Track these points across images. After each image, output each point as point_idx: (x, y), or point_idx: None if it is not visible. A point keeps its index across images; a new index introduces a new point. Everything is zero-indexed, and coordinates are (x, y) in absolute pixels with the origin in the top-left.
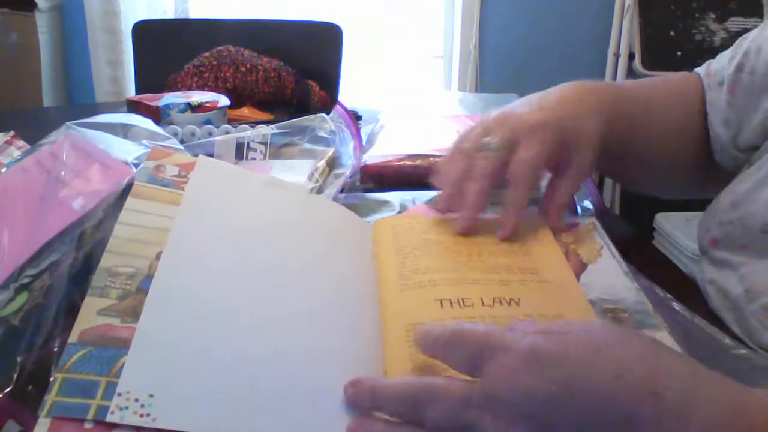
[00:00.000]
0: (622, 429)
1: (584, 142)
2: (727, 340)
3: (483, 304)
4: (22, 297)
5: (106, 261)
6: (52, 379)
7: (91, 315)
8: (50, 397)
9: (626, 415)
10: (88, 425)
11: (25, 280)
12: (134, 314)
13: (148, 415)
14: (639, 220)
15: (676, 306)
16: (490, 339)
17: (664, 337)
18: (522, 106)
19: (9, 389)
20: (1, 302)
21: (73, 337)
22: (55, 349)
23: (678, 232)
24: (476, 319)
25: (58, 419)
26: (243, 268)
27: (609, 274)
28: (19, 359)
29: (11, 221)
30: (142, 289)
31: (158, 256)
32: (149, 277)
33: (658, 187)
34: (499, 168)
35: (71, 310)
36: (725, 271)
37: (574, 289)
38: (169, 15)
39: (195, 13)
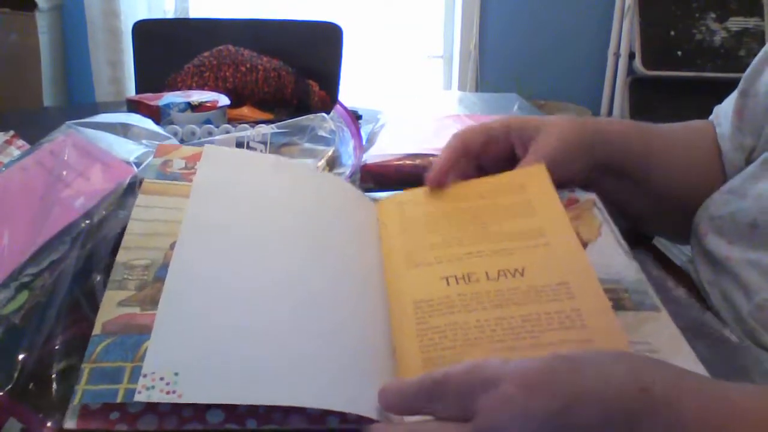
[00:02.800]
0: (621, 427)
1: (552, 133)
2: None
3: (488, 278)
4: (23, 296)
5: (121, 256)
6: (80, 368)
7: (112, 307)
8: (80, 386)
9: (623, 412)
10: (113, 416)
11: (26, 279)
12: (153, 302)
13: (174, 392)
14: None
15: (685, 299)
16: (474, 375)
17: (664, 317)
18: None
19: (9, 387)
20: (2, 301)
21: (96, 330)
22: (57, 347)
23: None
24: (482, 294)
25: (86, 410)
26: (255, 247)
27: (608, 252)
28: (19, 358)
29: (11, 220)
30: (159, 278)
31: (172, 246)
32: (165, 266)
33: (669, 229)
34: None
35: (73, 309)
36: (721, 270)
37: (577, 252)
38: (169, 15)
39: (195, 12)
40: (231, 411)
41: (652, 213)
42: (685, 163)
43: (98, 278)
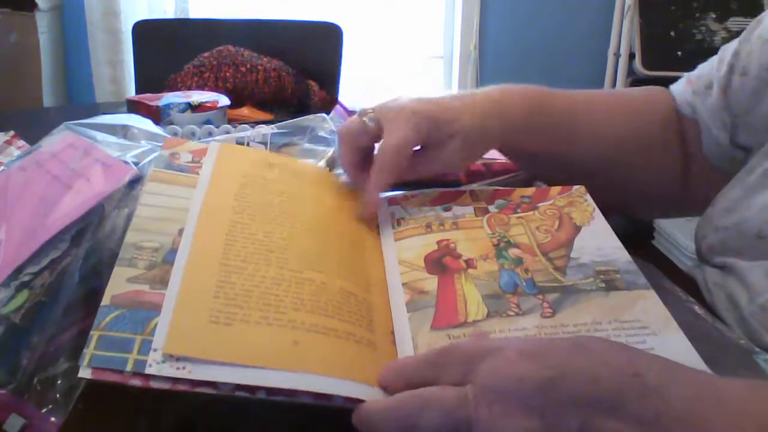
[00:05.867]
0: (610, 406)
1: (459, 134)
2: (743, 342)
3: None
4: (23, 295)
5: (131, 237)
6: (89, 335)
7: (120, 282)
8: (89, 351)
9: (614, 392)
10: (128, 372)
11: (26, 278)
12: (162, 282)
13: (183, 367)
14: (639, 220)
15: (698, 309)
16: (480, 344)
17: (652, 296)
18: (415, 96)
19: (12, 386)
20: (2, 300)
21: (105, 300)
22: (60, 346)
23: (678, 232)
24: None
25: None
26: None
27: (600, 235)
28: (21, 356)
29: (11, 220)
30: (168, 261)
31: (180, 232)
32: (173, 251)
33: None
34: (366, 135)
35: (75, 307)
36: (725, 272)
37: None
38: (169, 15)
39: (195, 13)
40: None
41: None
42: (609, 133)
43: (100, 277)
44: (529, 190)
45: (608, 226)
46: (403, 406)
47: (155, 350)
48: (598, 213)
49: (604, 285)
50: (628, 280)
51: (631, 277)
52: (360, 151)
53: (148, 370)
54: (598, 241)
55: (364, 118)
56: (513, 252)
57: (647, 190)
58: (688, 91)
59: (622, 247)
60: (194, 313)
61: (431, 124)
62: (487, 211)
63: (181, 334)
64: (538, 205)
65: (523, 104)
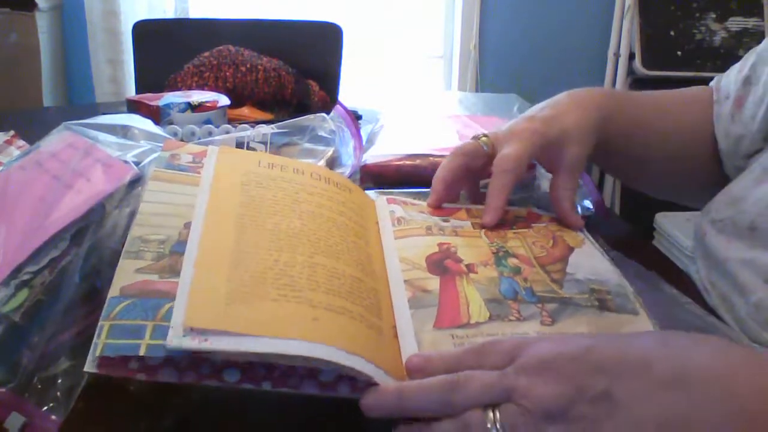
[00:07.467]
0: (634, 371)
1: (573, 140)
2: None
3: None
4: (23, 294)
5: (136, 231)
6: (99, 325)
7: (129, 273)
8: (100, 341)
9: (640, 357)
10: (133, 366)
11: (26, 277)
12: (172, 271)
13: (205, 340)
14: (639, 220)
15: (696, 309)
16: (524, 339)
17: (644, 320)
18: (517, 118)
19: (12, 385)
20: (2, 299)
21: (114, 292)
22: (61, 344)
23: (678, 232)
24: None
25: (106, 359)
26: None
27: (593, 257)
28: (21, 355)
29: (11, 220)
30: (176, 252)
31: (186, 226)
32: (181, 243)
33: (660, 189)
34: (480, 160)
35: (76, 306)
36: (720, 272)
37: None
38: (169, 15)
39: (195, 12)
40: (247, 371)
41: (648, 180)
42: (672, 129)
43: (101, 276)
44: (523, 211)
45: (598, 252)
46: (442, 382)
47: (173, 327)
48: (587, 242)
49: (597, 303)
50: (618, 303)
51: (622, 301)
52: (460, 172)
53: (168, 346)
54: (592, 261)
55: (480, 141)
56: (512, 261)
57: (689, 181)
58: (715, 96)
59: (614, 269)
60: (211, 293)
61: (541, 138)
62: (484, 226)
63: (200, 309)
64: (532, 225)
65: (605, 96)
